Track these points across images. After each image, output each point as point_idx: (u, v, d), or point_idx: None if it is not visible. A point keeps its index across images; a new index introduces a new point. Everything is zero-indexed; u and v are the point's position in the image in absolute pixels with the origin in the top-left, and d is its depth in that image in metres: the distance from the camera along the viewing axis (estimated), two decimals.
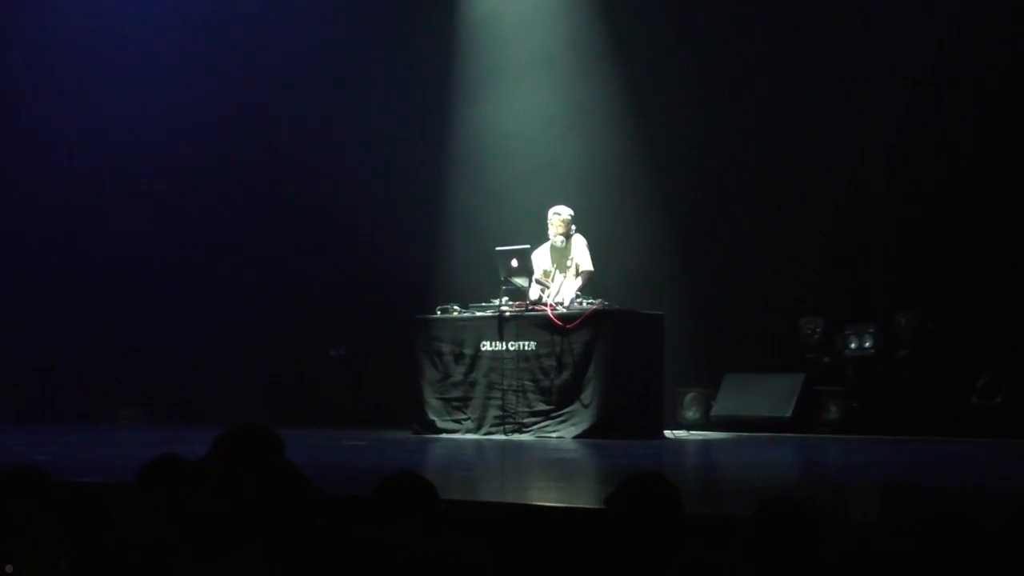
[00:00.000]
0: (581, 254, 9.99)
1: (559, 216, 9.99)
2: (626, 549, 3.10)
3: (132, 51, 13.04)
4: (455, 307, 10.13)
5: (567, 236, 9.99)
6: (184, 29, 12.98)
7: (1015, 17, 10.63)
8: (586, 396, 9.48)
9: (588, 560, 3.59)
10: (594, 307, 9.56)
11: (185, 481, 3.04)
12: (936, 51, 10.88)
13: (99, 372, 12.92)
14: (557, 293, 9.94)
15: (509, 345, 9.74)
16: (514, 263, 9.79)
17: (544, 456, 8.23)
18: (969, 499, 5.67)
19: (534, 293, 9.95)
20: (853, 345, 10.89)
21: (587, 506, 4.87)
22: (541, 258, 10.07)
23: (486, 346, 9.86)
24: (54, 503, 3.27)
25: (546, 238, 10.08)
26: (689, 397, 11.32)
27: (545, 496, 5.91)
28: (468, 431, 9.80)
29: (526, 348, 9.69)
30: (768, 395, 11.00)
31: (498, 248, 9.96)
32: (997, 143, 10.64)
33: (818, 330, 11.11)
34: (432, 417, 9.99)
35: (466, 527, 3.63)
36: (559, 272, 10.06)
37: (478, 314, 9.97)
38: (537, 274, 9.98)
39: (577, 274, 9.98)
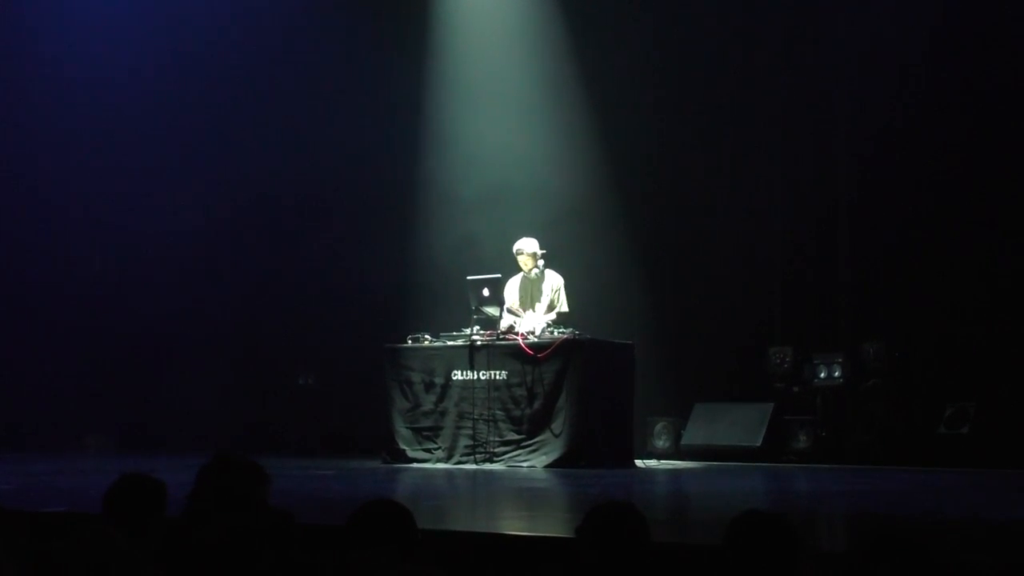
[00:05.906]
0: (559, 295, 9.97)
1: (526, 251, 9.96)
2: None
3: (93, 71, 12.93)
4: (426, 336, 10.11)
5: (539, 268, 9.97)
6: (150, 48, 12.91)
7: (975, 43, 10.77)
8: (557, 425, 9.47)
9: None
10: (565, 336, 9.56)
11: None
12: (903, 79, 11.00)
13: (65, 399, 12.79)
14: (527, 323, 9.92)
15: (480, 374, 9.72)
16: (485, 292, 9.79)
17: (514, 485, 8.21)
18: (936, 529, 5.69)
19: (505, 322, 9.94)
20: (822, 374, 10.95)
21: (557, 535, 4.86)
22: (511, 290, 10.06)
23: (457, 375, 9.84)
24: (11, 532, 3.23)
25: (517, 270, 10.07)
26: (659, 426, 11.33)
27: (515, 526, 5.89)
28: (439, 460, 9.77)
29: (497, 377, 9.67)
30: (738, 424, 11.03)
31: (469, 277, 9.97)
32: (964, 173, 10.74)
33: (787, 360, 11.16)
34: (402, 446, 9.95)
35: (436, 557, 3.61)
36: (529, 304, 10.04)
37: (449, 343, 9.96)
38: (508, 305, 9.97)
39: (550, 310, 9.95)
